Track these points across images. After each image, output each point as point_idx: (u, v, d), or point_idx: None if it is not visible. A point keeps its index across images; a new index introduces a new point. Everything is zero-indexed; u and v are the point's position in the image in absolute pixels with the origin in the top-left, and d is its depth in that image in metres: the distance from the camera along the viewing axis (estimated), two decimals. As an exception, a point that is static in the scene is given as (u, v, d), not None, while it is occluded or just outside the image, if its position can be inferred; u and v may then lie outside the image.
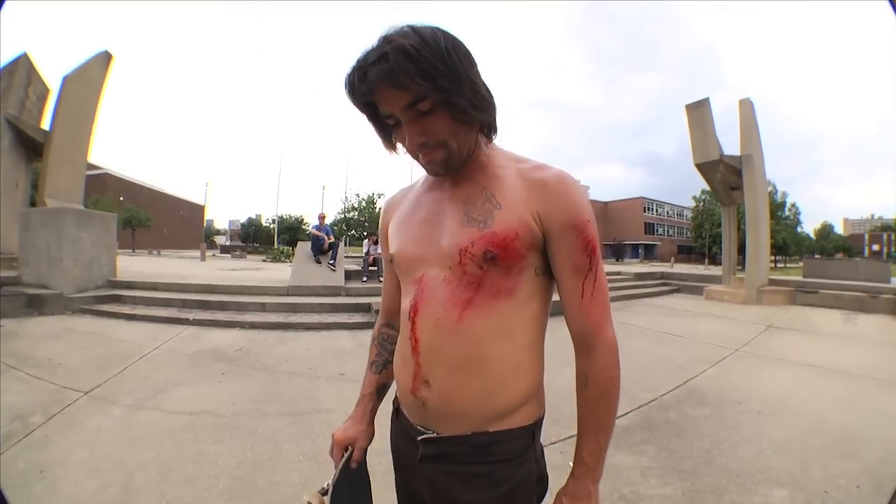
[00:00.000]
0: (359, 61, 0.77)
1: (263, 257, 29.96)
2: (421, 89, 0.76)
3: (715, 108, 12.82)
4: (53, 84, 11.24)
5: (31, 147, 10.84)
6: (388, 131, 0.87)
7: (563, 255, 0.86)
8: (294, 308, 7.61)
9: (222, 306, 7.60)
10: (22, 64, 11.00)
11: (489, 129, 0.90)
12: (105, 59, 11.08)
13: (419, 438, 0.93)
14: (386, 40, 0.75)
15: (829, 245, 63.39)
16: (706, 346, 6.15)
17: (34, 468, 2.56)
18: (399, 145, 0.89)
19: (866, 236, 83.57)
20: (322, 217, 10.76)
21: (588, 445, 0.89)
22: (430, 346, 0.89)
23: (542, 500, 0.95)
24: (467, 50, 0.82)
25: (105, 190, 43.91)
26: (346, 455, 1.05)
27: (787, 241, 51.67)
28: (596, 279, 0.87)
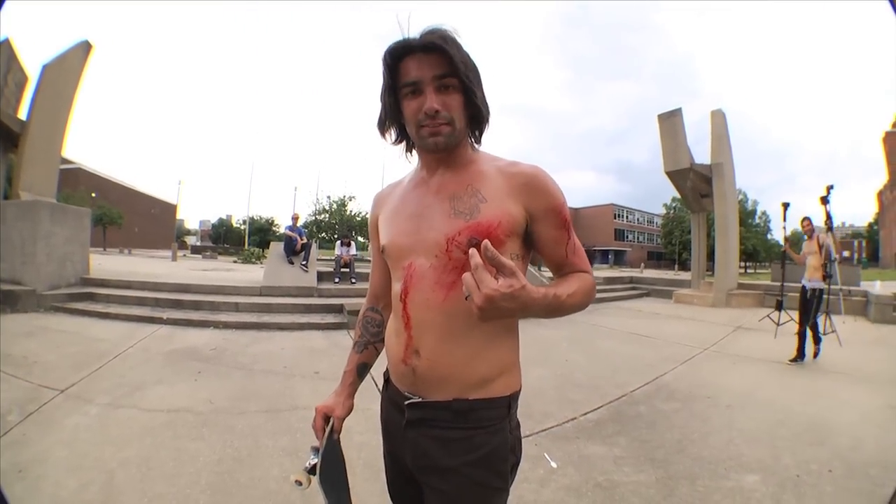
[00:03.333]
0: (404, 40, 0.94)
1: (234, 258, 29.49)
2: (454, 67, 0.93)
3: (689, 118, 13.17)
4: (32, 72, 10.86)
5: (8, 137, 10.44)
6: (397, 107, 0.99)
7: (546, 232, 1.01)
8: (267, 308, 7.59)
9: (196, 306, 7.54)
10: (3, 50, 10.55)
11: (479, 134, 1.06)
12: (85, 48, 10.69)
13: (406, 403, 1.03)
14: (436, 29, 0.94)
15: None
16: (675, 346, 6.33)
17: (13, 468, 2.52)
18: (392, 133, 1.05)
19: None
20: (295, 217, 10.67)
21: (540, 289, 0.88)
22: (420, 320, 1.00)
23: (514, 469, 1.04)
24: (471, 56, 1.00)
25: (77, 185, 42.26)
26: (329, 426, 1.13)
27: (757, 247, 52.92)
28: (574, 244, 1.04)
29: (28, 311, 7.03)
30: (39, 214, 8.09)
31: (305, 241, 10.07)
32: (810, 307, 5.84)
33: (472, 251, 0.78)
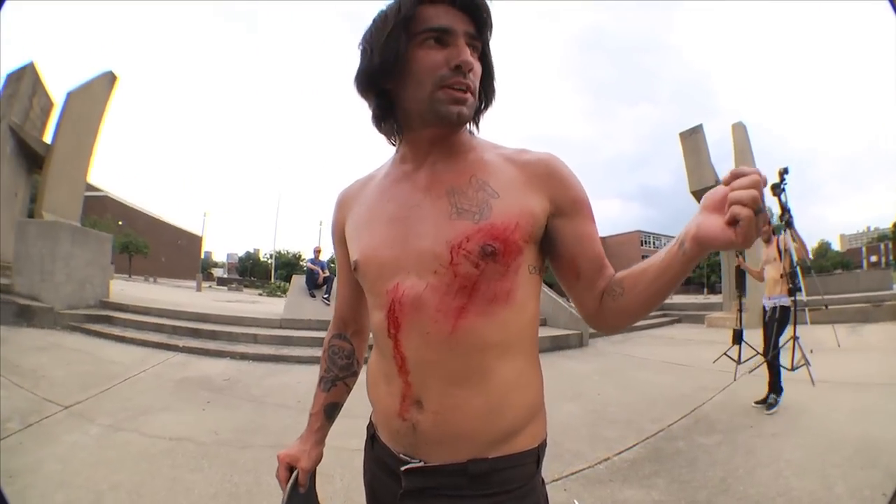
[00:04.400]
0: None
1: (259, 291, 30.03)
2: (485, 31, 0.77)
3: (709, 137, 12.94)
4: (58, 98, 11.28)
5: (33, 158, 10.82)
6: (403, 52, 0.73)
7: (578, 227, 0.80)
8: (287, 341, 7.40)
9: (213, 335, 7.42)
10: (28, 73, 11.03)
11: (478, 118, 0.86)
12: (110, 79, 11.16)
13: (403, 469, 0.79)
14: None
15: (828, 263, 63.33)
16: (712, 373, 5.95)
17: (4, 472, 2.51)
18: (374, 99, 0.81)
19: (863, 249, 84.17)
20: (318, 251, 10.64)
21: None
22: (420, 362, 0.76)
23: None
24: None
25: (104, 212, 43.65)
26: (292, 478, 0.93)
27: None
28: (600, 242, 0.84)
29: (44, 328, 7.09)
30: (60, 235, 8.24)
31: (328, 274, 9.98)
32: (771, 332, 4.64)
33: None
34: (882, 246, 77.21)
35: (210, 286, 36.56)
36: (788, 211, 4.64)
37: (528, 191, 0.77)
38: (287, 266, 57.08)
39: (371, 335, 0.89)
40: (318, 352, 6.68)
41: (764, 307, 4.90)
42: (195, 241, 66.98)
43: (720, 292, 15.84)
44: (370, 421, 0.91)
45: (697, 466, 2.99)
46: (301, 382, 5.24)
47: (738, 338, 5.48)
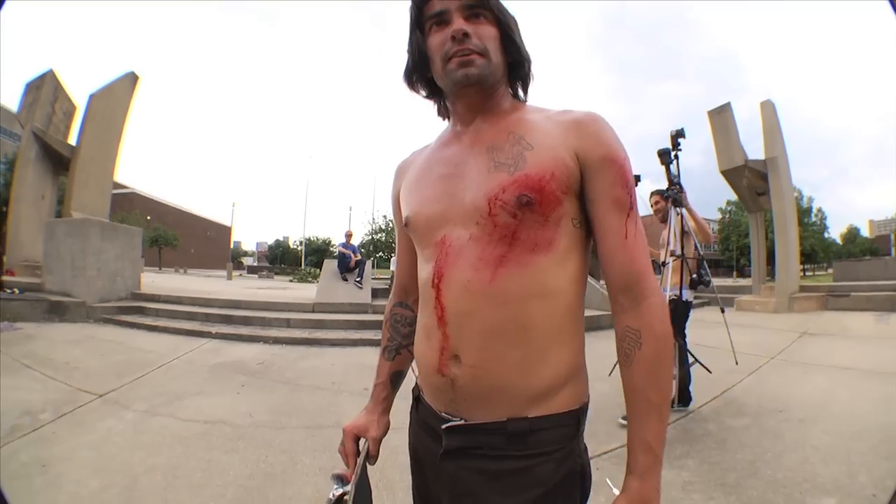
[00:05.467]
0: None
1: (290, 278, 30.43)
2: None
3: (738, 115, 12.58)
4: (80, 102, 11.60)
5: (58, 161, 11.19)
6: (424, 45, 0.84)
7: (603, 188, 0.77)
8: (320, 324, 7.46)
9: (246, 321, 7.50)
10: (48, 80, 11.39)
11: (523, 86, 0.89)
12: (132, 79, 11.41)
13: (444, 427, 0.79)
14: None
15: (856, 249, 61.88)
16: (740, 356, 5.82)
17: (37, 462, 2.56)
18: (421, 87, 0.89)
19: (892, 236, 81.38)
20: (349, 235, 10.74)
21: (652, 427, 0.73)
22: (459, 313, 0.77)
23: (586, 501, 0.79)
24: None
25: (132, 208, 44.74)
26: (363, 451, 0.93)
27: (815, 248, 50.40)
28: (637, 221, 0.78)
29: (76, 321, 7.29)
30: (89, 231, 8.48)
31: (359, 257, 10.06)
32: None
33: None
34: None
35: (240, 275, 37.27)
36: (678, 184, 3.83)
37: (561, 143, 0.77)
38: (317, 252, 57.65)
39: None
40: (351, 334, 6.96)
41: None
42: (224, 231, 68.24)
43: (749, 276, 15.50)
44: (415, 383, 0.92)
45: (726, 449, 2.96)
46: (335, 364, 5.29)
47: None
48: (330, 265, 10.21)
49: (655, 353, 0.74)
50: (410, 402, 0.94)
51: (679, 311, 3.77)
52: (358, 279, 9.67)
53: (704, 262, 4.03)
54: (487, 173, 0.79)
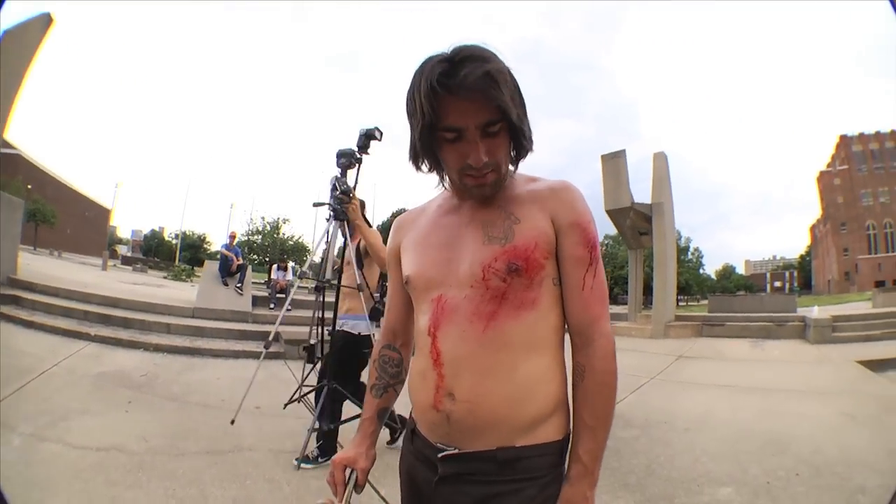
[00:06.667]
0: (443, 69, 0.78)
1: (165, 274, 28.36)
2: (502, 113, 0.81)
3: (629, 158, 13.76)
4: None
5: None
6: (434, 145, 0.88)
7: (568, 248, 0.90)
8: (200, 332, 7.19)
9: (126, 323, 7.03)
10: None
11: (518, 161, 0.96)
12: (45, 22, 9.85)
13: (440, 456, 0.90)
14: (479, 58, 0.79)
15: (731, 284, 68.69)
16: (622, 376, 6.38)
17: None
18: (426, 165, 0.93)
19: (768, 275, 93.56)
20: (233, 236, 10.24)
21: (584, 443, 0.87)
22: (453, 356, 0.88)
23: None
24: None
25: (15, 173, 38.17)
26: (350, 480, 0.97)
27: (690, 281, 55.84)
28: (595, 274, 0.91)
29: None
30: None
31: (241, 261, 9.61)
32: (339, 366, 3.03)
33: None
34: (787, 273, 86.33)
35: (115, 265, 33.76)
36: (347, 193, 3.09)
37: (540, 213, 0.90)
38: (192, 248, 54.08)
39: (415, 344, 1.01)
40: (233, 345, 6.77)
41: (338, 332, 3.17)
42: (103, 213, 60.56)
43: (621, 304, 16.84)
44: (410, 416, 1.01)
45: (622, 456, 3.26)
46: (220, 378, 5.09)
47: (311, 356, 3.48)
48: (211, 267, 9.71)
49: (594, 386, 0.88)
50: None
51: (350, 348, 3.08)
52: (239, 285, 9.25)
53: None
54: (482, 245, 0.90)
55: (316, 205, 3.27)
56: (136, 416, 3.69)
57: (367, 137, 3.11)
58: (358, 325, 3.14)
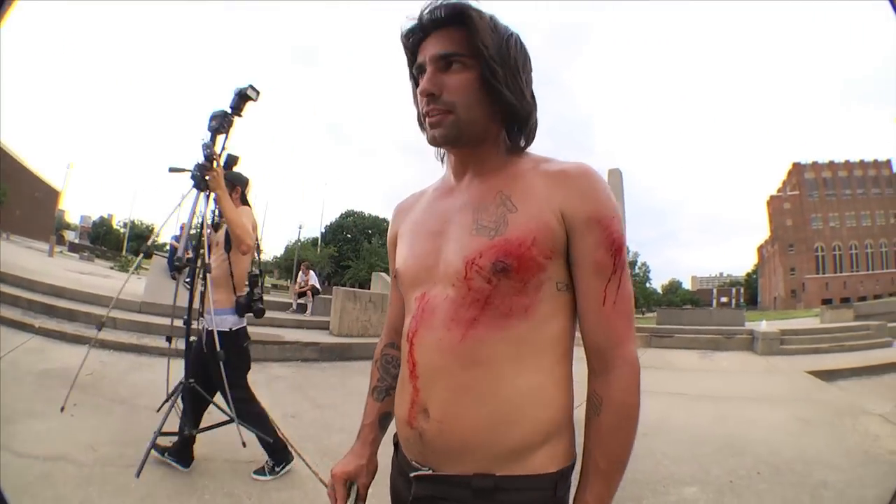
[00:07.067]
0: (423, 10, 0.77)
1: (111, 264, 27.21)
2: (469, 44, 0.75)
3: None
4: None
5: None
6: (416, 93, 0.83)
7: (584, 252, 0.75)
8: (147, 328, 6.83)
9: (71, 316, 6.70)
10: None
11: (519, 131, 0.84)
12: None
13: (412, 475, 0.81)
14: (460, 3, 0.76)
15: (677, 298, 71.78)
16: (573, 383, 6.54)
17: None
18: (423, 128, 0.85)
19: (715, 290, 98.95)
20: (184, 227, 9.76)
21: (594, 488, 0.74)
22: (429, 368, 0.78)
23: None
24: (527, 54, 0.82)
25: None
26: (352, 496, 0.92)
27: (637, 295, 57.42)
28: (620, 285, 0.75)
29: None
30: None
31: (191, 255, 9.18)
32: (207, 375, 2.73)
33: None
34: (734, 290, 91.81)
35: (62, 251, 32.18)
36: (212, 159, 2.66)
37: (546, 203, 0.76)
38: (139, 239, 52.80)
39: None
40: (181, 344, 6.18)
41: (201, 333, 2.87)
42: (53, 195, 56.74)
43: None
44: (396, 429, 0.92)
45: (580, 462, 3.29)
46: (169, 381, 4.79)
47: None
48: (160, 260, 9.21)
49: (611, 421, 0.75)
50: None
51: (229, 347, 2.68)
52: (188, 279, 8.84)
53: (260, 281, 3.01)
54: (469, 235, 0.78)
55: (172, 170, 2.76)
56: (81, 420, 3.45)
57: (241, 97, 2.62)
58: (226, 321, 2.81)
